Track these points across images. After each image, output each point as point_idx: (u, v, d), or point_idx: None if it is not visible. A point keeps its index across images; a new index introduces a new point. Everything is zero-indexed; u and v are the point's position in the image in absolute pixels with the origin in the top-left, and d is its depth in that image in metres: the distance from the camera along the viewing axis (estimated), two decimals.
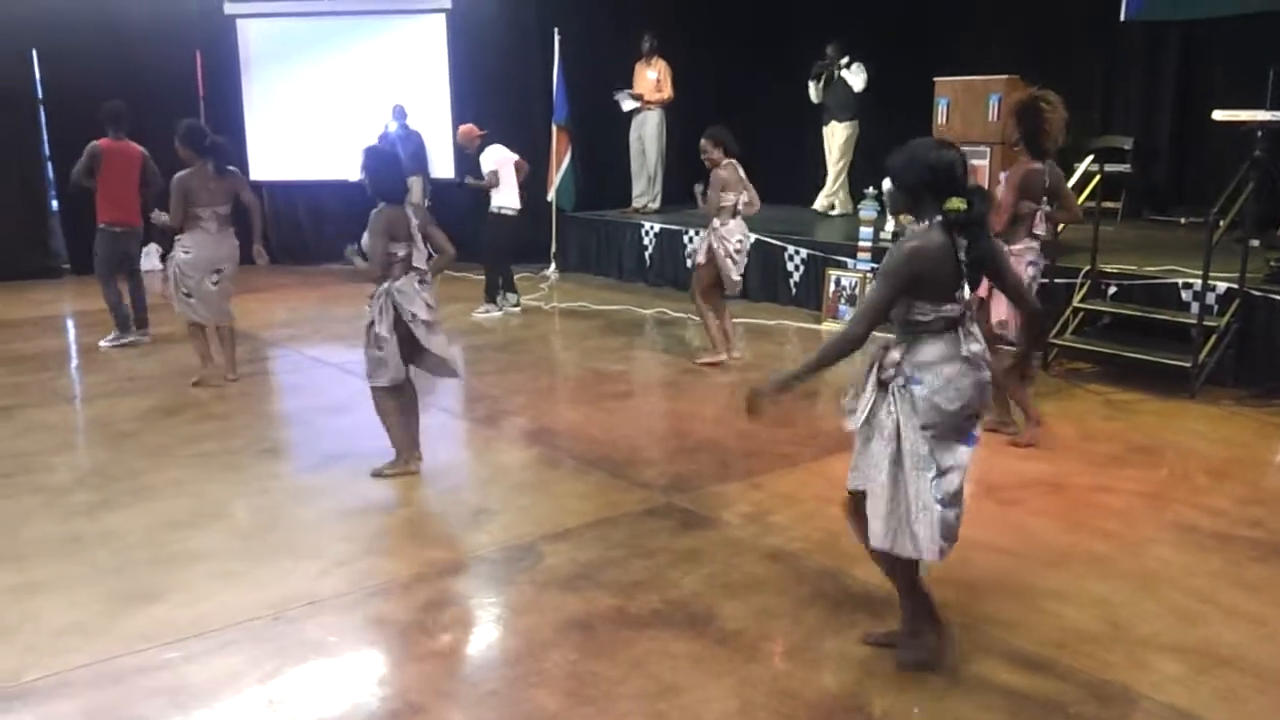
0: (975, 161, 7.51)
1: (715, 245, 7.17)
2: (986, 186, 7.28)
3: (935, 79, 8.30)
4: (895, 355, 3.20)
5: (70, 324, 9.29)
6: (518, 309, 9.41)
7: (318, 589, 3.93)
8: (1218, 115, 7.12)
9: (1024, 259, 5.47)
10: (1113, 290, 7.30)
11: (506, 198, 9.11)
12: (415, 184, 10.79)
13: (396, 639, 3.60)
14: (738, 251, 7.21)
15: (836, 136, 10.80)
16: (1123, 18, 9.23)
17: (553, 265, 11.14)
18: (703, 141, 7.13)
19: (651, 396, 7.03)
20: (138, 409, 6.33)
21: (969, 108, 8.03)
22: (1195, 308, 6.69)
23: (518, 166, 9.22)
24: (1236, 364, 6.64)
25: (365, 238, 4.97)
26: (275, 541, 4.40)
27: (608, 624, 3.65)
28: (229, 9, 11.84)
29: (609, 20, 11.51)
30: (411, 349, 5.06)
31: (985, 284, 4.04)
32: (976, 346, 3.17)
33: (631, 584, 3.95)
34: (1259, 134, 6.70)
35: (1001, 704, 3.16)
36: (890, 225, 8.71)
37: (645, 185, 11.62)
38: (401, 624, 3.68)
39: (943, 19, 10.66)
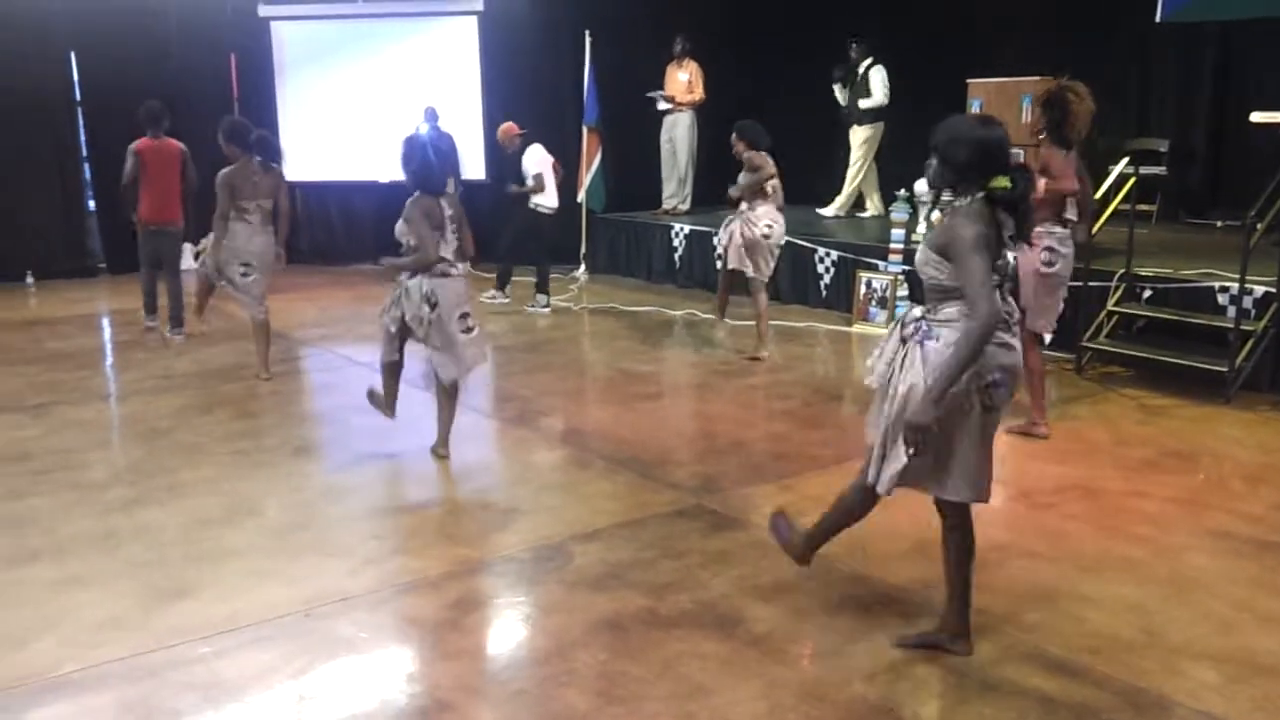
0: None
1: (740, 229, 7.23)
2: None
3: (968, 80, 8.26)
4: (917, 312, 3.29)
5: (106, 323, 9.39)
6: (547, 310, 9.44)
7: (348, 586, 3.95)
8: (1255, 117, 7.05)
9: (1041, 242, 5.42)
10: (1148, 294, 7.22)
11: (546, 197, 9.30)
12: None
13: (426, 637, 3.62)
14: (765, 237, 7.25)
15: (855, 139, 10.78)
16: (1158, 18, 9.13)
17: (582, 266, 11.16)
18: (733, 137, 7.27)
19: (681, 397, 7.03)
20: (172, 407, 6.40)
21: (1002, 109, 7.96)
22: (1232, 311, 6.61)
23: (554, 168, 9.33)
24: (1274, 369, 6.56)
25: (400, 226, 5.03)
26: (307, 539, 4.43)
27: (637, 624, 3.65)
28: (263, 12, 11.95)
29: (640, 22, 11.51)
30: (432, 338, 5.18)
31: None
32: (1010, 309, 3.19)
33: (661, 585, 3.95)
34: None
35: (1034, 709, 3.13)
36: (922, 228, 8.67)
37: (676, 187, 11.62)
38: (431, 622, 3.70)
39: (975, 20, 10.59)
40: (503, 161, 10.20)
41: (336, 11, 12.10)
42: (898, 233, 8.58)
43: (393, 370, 5.44)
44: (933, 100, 9.44)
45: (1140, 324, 7.29)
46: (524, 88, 11.48)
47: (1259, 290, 6.58)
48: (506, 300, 9.52)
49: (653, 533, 4.46)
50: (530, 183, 9.23)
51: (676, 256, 10.90)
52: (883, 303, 8.58)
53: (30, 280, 11.10)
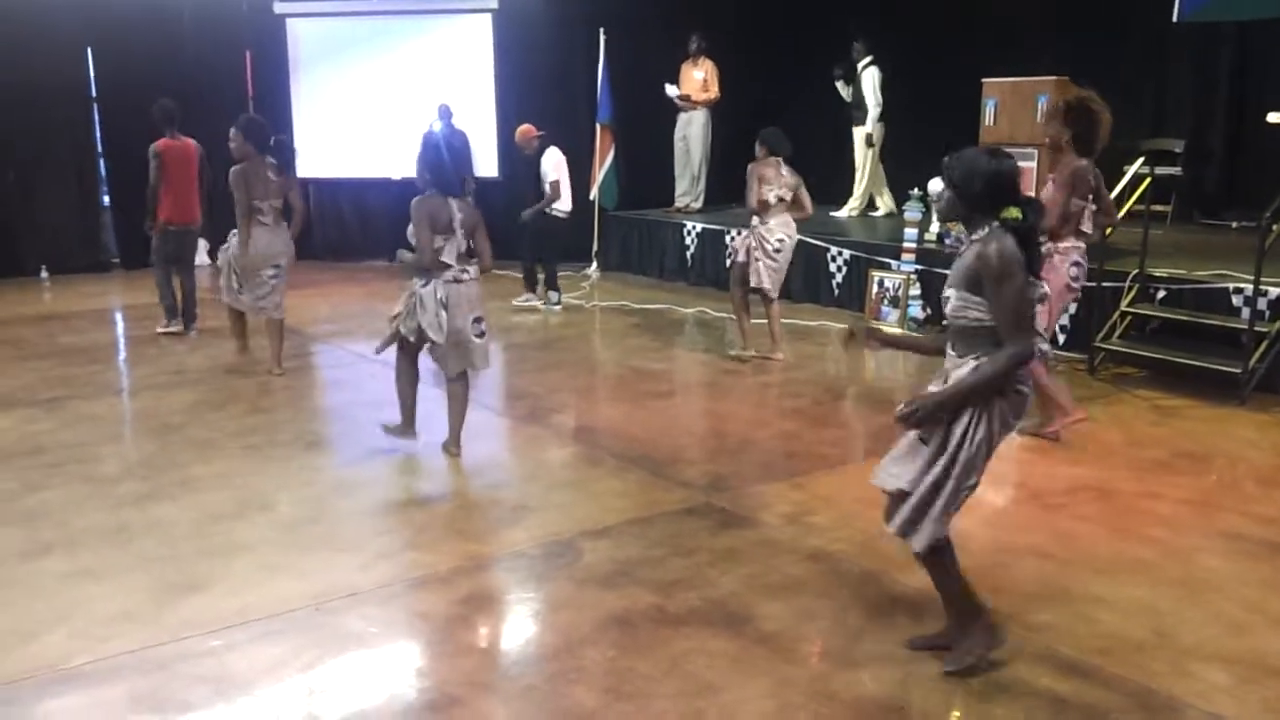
0: (1023, 163, 7.40)
1: (753, 244, 7.18)
2: (1035, 187, 7.23)
3: (983, 80, 8.23)
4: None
5: (119, 317, 9.45)
6: (559, 307, 9.45)
7: (359, 581, 3.96)
8: (1272, 118, 7.02)
9: (1069, 258, 5.46)
10: (1162, 294, 7.19)
11: (562, 202, 9.35)
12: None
13: (436, 632, 3.63)
14: (776, 251, 7.19)
15: (857, 137, 10.79)
16: (1175, 18, 9.08)
17: (594, 264, 11.16)
18: (757, 140, 7.25)
19: (692, 396, 7.02)
20: (185, 402, 6.42)
21: (1016, 109, 7.95)
22: (1246, 313, 6.57)
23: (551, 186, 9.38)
24: None
25: (411, 228, 5.03)
26: (318, 534, 4.45)
27: (646, 622, 3.65)
28: (279, 8, 11.98)
29: (654, 20, 11.51)
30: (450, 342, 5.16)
31: None
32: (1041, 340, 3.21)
33: (670, 582, 3.95)
34: None
35: (1044, 710, 3.12)
36: (935, 227, 8.64)
37: (688, 185, 11.61)
38: (441, 617, 3.71)
39: (990, 19, 10.54)
40: (517, 161, 10.20)
41: (352, 8, 12.13)
42: (911, 232, 8.56)
43: (411, 379, 5.39)
44: (946, 100, 9.47)
45: (1154, 325, 7.25)
46: (538, 85, 11.49)
47: (1274, 292, 6.53)
48: (538, 301, 9.49)
49: (662, 530, 4.46)
50: (547, 190, 9.24)
51: (689, 254, 10.89)
52: (895, 302, 8.56)
53: (44, 275, 11.18)
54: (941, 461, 3.13)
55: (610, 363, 7.82)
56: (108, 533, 4.42)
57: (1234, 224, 9.55)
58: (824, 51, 11.04)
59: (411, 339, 5.17)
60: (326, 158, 12.11)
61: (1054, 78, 7.83)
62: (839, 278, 9.39)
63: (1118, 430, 5.89)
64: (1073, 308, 6.85)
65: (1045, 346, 5.45)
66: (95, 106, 11.55)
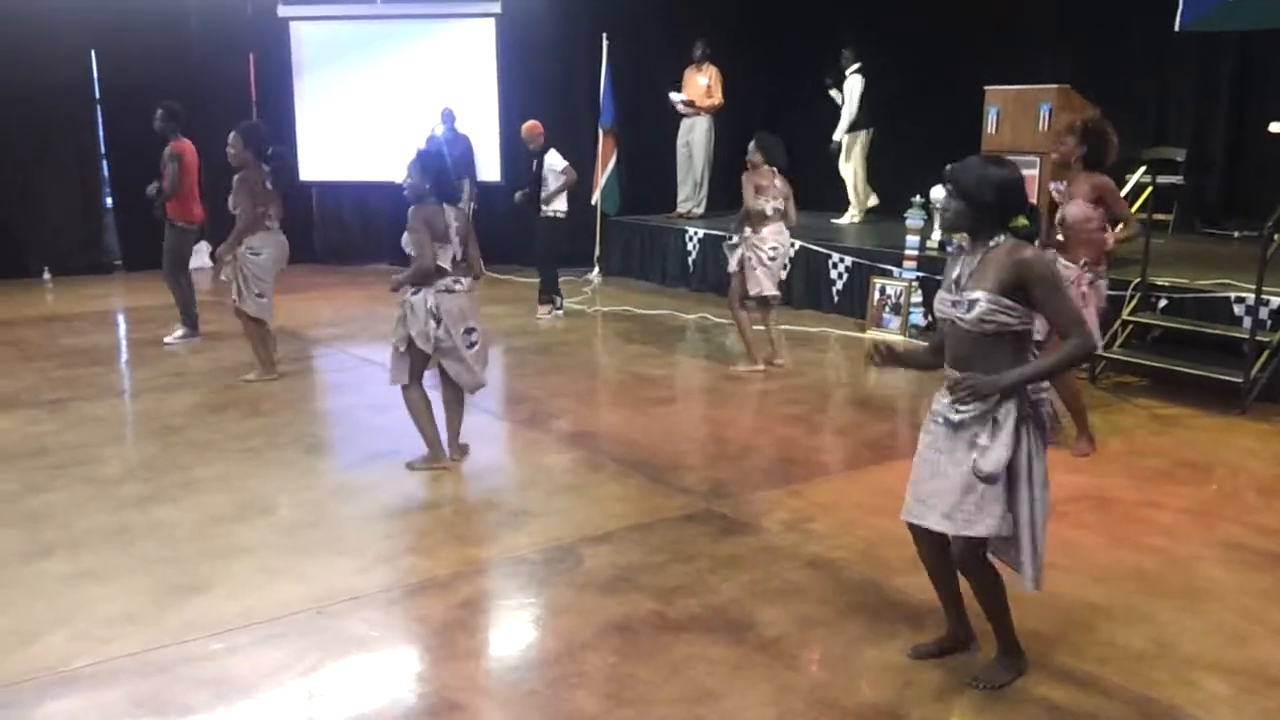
0: (1026, 171, 7.40)
1: (747, 254, 7.17)
2: (1037, 194, 7.24)
3: (986, 88, 8.24)
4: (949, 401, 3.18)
5: (121, 319, 9.46)
6: (560, 312, 9.46)
7: (359, 585, 3.97)
8: (1274, 127, 7.02)
9: (1104, 279, 5.52)
10: (1163, 303, 7.20)
11: (560, 202, 9.29)
12: (462, 187, 10.87)
13: (436, 636, 3.63)
14: (771, 260, 7.18)
15: (846, 143, 10.85)
16: (1177, 28, 9.09)
17: (596, 269, 11.17)
18: (750, 146, 7.20)
19: (693, 402, 7.03)
20: (186, 404, 6.43)
21: (1019, 117, 7.95)
22: (1248, 322, 6.58)
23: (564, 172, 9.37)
24: None
25: (406, 237, 5.00)
26: (319, 537, 4.45)
27: (647, 628, 3.65)
28: (283, 11, 12.00)
29: (657, 25, 11.53)
30: (441, 351, 5.13)
31: None
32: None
33: (671, 588, 3.96)
34: None
35: (1043, 718, 3.12)
36: (936, 234, 8.66)
37: (691, 190, 11.62)
38: (441, 621, 3.71)
39: (991, 27, 10.57)
40: (518, 161, 10.20)
41: (355, 12, 12.15)
42: (913, 239, 8.57)
43: (425, 404, 5.30)
44: (947, 107, 9.48)
45: (1155, 334, 7.26)
46: (541, 90, 11.50)
47: (1275, 301, 6.54)
48: (560, 311, 9.50)
49: (663, 536, 4.46)
50: (552, 185, 9.19)
51: (690, 260, 10.90)
52: (896, 309, 8.57)
53: (47, 276, 11.19)
54: (1033, 492, 3.12)
55: (611, 368, 7.83)
56: (109, 534, 4.43)
57: (1235, 233, 9.57)
58: (827, 58, 11.06)
59: (401, 348, 5.12)
60: (329, 161, 12.15)
61: (1056, 86, 7.83)
62: (840, 284, 9.39)
63: (1118, 439, 5.89)
64: None
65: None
66: (99, 108, 11.57)
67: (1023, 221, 3.12)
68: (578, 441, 5.83)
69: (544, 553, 4.31)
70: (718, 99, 11.19)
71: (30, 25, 10.75)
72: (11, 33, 10.64)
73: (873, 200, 11.10)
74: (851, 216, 11.03)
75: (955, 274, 3.17)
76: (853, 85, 10.57)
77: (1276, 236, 6.49)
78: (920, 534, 3.31)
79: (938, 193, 7.98)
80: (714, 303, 9.92)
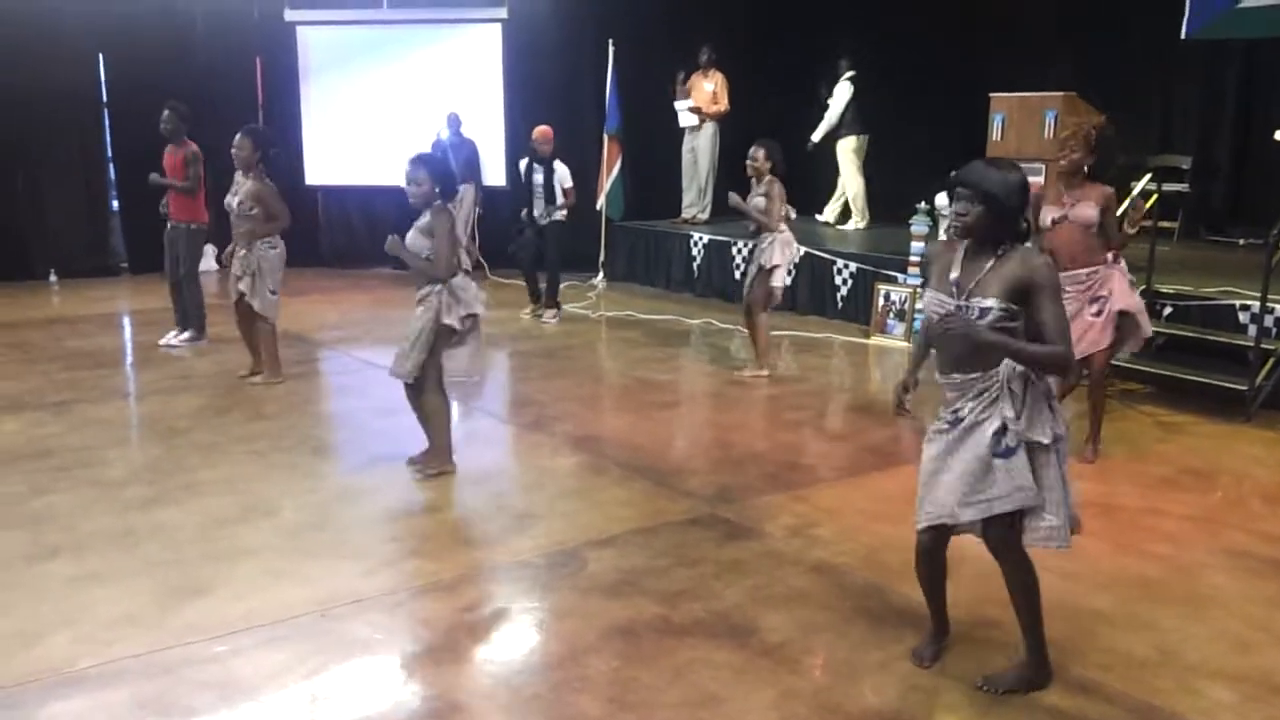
0: (1031, 178, 7.41)
1: (764, 261, 7.16)
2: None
3: (991, 94, 8.25)
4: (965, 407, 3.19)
5: (127, 322, 9.47)
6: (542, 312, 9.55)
7: (363, 588, 3.97)
8: (1279, 135, 7.00)
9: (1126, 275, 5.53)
10: (1168, 311, 7.19)
11: (562, 207, 9.32)
12: (468, 192, 10.91)
13: (440, 639, 3.63)
14: (778, 266, 7.20)
15: (838, 150, 10.88)
16: (1183, 35, 9.10)
17: (600, 274, 11.17)
18: (759, 152, 7.12)
19: (697, 406, 7.03)
20: (190, 407, 6.44)
21: (1024, 124, 7.96)
22: (1253, 330, 6.57)
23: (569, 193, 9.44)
24: None
25: (419, 239, 4.98)
26: (323, 540, 4.46)
27: (650, 632, 3.65)
28: (289, 16, 12.03)
29: (663, 31, 11.55)
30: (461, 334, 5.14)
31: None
32: None
33: (674, 593, 3.95)
34: None
35: None
36: (942, 239, 8.65)
37: (695, 196, 11.63)
38: (445, 625, 3.71)
39: (997, 34, 10.58)
40: (532, 163, 10.20)
41: (362, 17, 12.18)
42: (917, 245, 8.56)
43: (446, 399, 5.31)
44: (951, 114, 9.49)
45: (1160, 341, 7.24)
46: (546, 95, 11.52)
47: None
48: (556, 319, 9.53)
49: (667, 541, 4.46)
50: (560, 195, 9.26)
51: (695, 265, 10.90)
52: (901, 315, 8.57)
53: (53, 278, 11.23)
54: (1054, 458, 3.15)
55: (615, 372, 7.83)
56: (113, 536, 4.43)
57: (1241, 241, 9.57)
58: (831, 64, 11.07)
59: (457, 327, 5.06)
60: (335, 165, 12.18)
61: (1062, 93, 7.84)
62: (845, 290, 9.39)
63: (1123, 446, 5.88)
64: None
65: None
66: (105, 111, 11.61)
67: (1022, 225, 3.12)
68: (582, 445, 5.83)
69: (548, 556, 4.31)
70: (724, 105, 11.20)
71: (37, 28, 10.79)
72: (18, 35, 10.68)
73: (830, 210, 11.16)
74: (856, 224, 11.04)
75: (953, 277, 3.13)
76: (840, 91, 10.63)
77: None
78: (926, 545, 3.32)
79: (943, 199, 7.98)
80: (718, 308, 9.93)
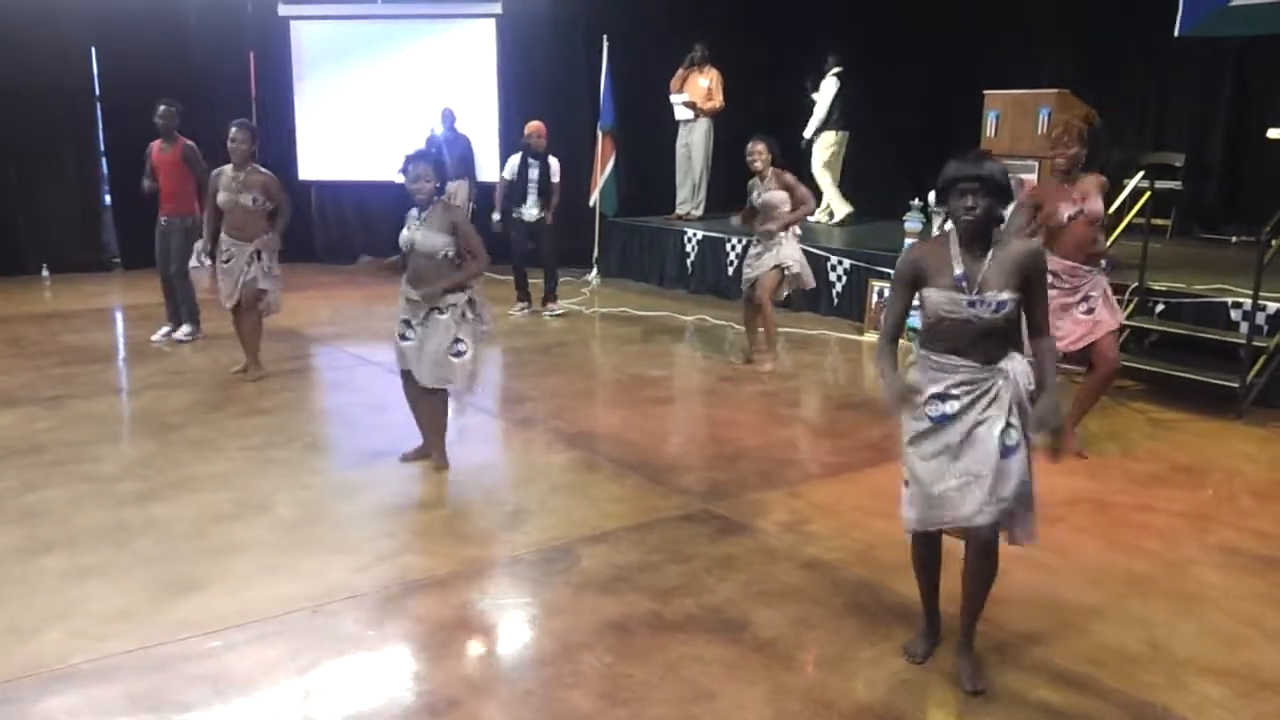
0: (1025, 175, 7.45)
1: (781, 260, 7.17)
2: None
3: (985, 92, 8.26)
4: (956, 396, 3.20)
5: (120, 317, 9.46)
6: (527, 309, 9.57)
7: (357, 583, 3.97)
8: (1272, 133, 7.04)
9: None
10: (1160, 308, 7.21)
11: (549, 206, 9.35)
12: (461, 188, 10.90)
13: (433, 635, 3.64)
14: (795, 262, 7.29)
15: (815, 144, 10.92)
16: (1177, 33, 9.12)
17: (594, 270, 11.18)
18: (760, 146, 7.12)
19: (691, 402, 7.04)
20: (184, 402, 6.44)
21: (1018, 121, 7.97)
22: (1244, 327, 6.60)
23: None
24: None
25: (439, 239, 4.91)
26: (316, 536, 4.46)
27: (643, 628, 3.66)
28: (283, 10, 12.00)
29: (658, 27, 11.54)
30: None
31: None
32: None
33: (667, 589, 3.96)
34: None
35: None
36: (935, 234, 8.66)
37: (689, 192, 11.62)
38: (438, 621, 3.72)
39: (991, 31, 10.60)
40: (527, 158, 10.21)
41: (356, 12, 12.16)
42: (911, 242, 8.57)
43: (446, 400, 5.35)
44: (945, 111, 9.51)
45: (1152, 338, 7.27)
46: (541, 91, 11.51)
47: (1272, 306, 6.55)
48: (560, 310, 9.54)
49: (660, 536, 4.47)
50: (553, 193, 9.29)
51: (689, 262, 10.90)
52: None
53: (46, 273, 11.20)
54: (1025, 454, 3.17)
55: (609, 369, 7.84)
56: (107, 532, 4.43)
57: (1233, 238, 9.60)
58: (823, 61, 11.07)
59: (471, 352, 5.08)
60: (328, 160, 12.15)
61: (1056, 90, 7.85)
62: (839, 287, 9.40)
63: (1114, 443, 5.90)
64: None
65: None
66: (99, 106, 11.57)
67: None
68: (575, 441, 5.84)
69: (541, 552, 4.31)
70: (718, 101, 11.19)
71: (31, 22, 10.76)
72: (11, 29, 10.65)
73: (846, 209, 11.15)
74: (841, 218, 11.04)
75: (958, 273, 3.10)
76: (827, 87, 10.67)
77: (1274, 242, 6.52)
78: (925, 544, 3.35)
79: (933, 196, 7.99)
80: (712, 304, 9.94)
